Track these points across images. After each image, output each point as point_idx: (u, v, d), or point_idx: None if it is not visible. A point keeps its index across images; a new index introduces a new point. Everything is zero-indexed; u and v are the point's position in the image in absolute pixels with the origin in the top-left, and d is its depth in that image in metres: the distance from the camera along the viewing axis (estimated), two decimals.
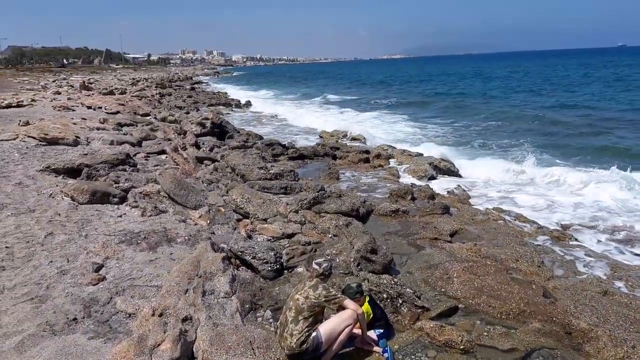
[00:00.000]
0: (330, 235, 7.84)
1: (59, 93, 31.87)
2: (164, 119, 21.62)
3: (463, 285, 5.99)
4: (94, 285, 5.49)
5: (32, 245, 6.41)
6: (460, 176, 13.76)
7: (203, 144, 15.82)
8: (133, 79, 63.91)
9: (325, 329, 4.50)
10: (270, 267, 6.41)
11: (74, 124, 16.80)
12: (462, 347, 4.79)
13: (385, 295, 5.54)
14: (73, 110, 21.84)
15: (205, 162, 13.08)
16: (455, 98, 38.64)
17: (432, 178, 13.29)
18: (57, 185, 9.17)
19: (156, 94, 36.26)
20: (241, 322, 4.97)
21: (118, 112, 22.58)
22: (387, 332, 5.01)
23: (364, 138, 19.75)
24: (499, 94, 39.71)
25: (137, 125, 18.58)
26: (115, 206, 8.44)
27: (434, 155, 15.60)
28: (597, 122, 22.74)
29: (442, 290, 6.00)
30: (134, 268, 6.00)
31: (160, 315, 4.57)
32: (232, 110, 32.53)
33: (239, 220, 8.49)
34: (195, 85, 60.13)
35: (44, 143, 13.25)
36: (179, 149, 13.67)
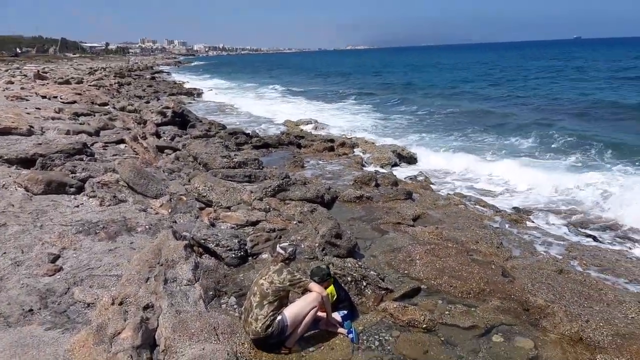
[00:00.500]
0: (295, 222, 7.83)
1: (12, 82, 30.37)
2: (122, 109, 21.00)
3: (425, 266, 6.10)
4: (50, 276, 5.29)
5: None
6: (420, 164, 13.97)
7: (164, 133, 15.47)
8: (90, 68, 61.65)
9: (290, 312, 4.49)
10: (234, 254, 6.35)
11: (28, 113, 16.06)
12: (424, 326, 4.89)
13: (349, 278, 5.58)
14: (27, 100, 20.88)
15: (166, 151, 12.80)
16: (419, 88, 39.16)
17: (395, 165, 13.48)
18: (9, 176, 8.76)
19: (115, 83, 35.16)
20: (205, 309, 4.91)
21: (74, 101, 21.73)
22: (352, 313, 5.06)
23: (329, 127, 19.78)
24: (460, 84, 40.48)
25: (94, 115, 17.95)
26: (72, 196, 8.14)
27: (397, 143, 15.80)
28: (547, 113, 23.50)
29: (405, 272, 6.10)
30: (92, 258, 5.82)
31: (121, 304, 4.45)
32: (194, 99, 31.91)
33: (201, 208, 8.36)
34: (156, 75, 58.65)
35: None
36: (139, 138, 13.31)
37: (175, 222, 7.51)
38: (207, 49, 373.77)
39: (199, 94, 35.07)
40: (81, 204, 7.82)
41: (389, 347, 4.60)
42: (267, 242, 6.89)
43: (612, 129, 18.40)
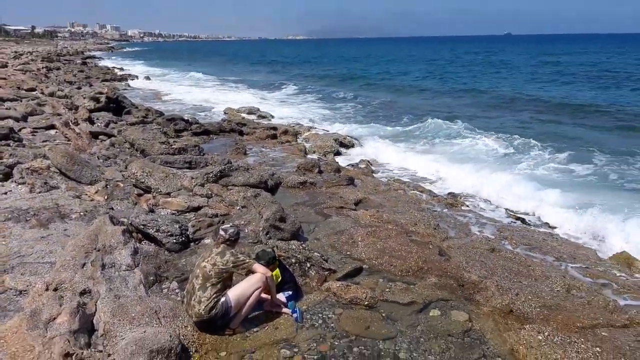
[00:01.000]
0: (238, 207, 7.76)
1: None
2: (52, 94, 19.78)
3: (367, 247, 6.27)
4: None
5: None
6: (361, 151, 14.23)
7: (97, 119, 14.74)
8: (15, 52, 57.42)
9: (234, 293, 4.48)
10: (175, 239, 6.21)
11: None
12: (366, 303, 5.04)
13: (293, 260, 5.63)
14: None
15: (100, 137, 12.23)
16: (359, 78, 39.78)
17: (338, 153, 13.65)
18: None
19: (43, 67, 33.02)
20: (145, 294, 4.79)
21: None
22: (296, 294, 5.11)
23: (271, 115, 19.67)
24: (398, 76, 41.49)
25: (21, 100, 16.83)
26: None
27: (340, 132, 16.01)
28: (476, 104, 24.73)
29: (348, 253, 6.24)
30: (23, 245, 5.50)
31: (55, 289, 4.25)
32: (128, 86, 30.59)
33: (139, 195, 8.09)
34: (87, 60, 55.59)
35: None
36: (71, 123, 12.63)
37: (112, 208, 7.24)
38: (142, 35, 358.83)
39: (134, 80, 33.68)
40: (9, 190, 7.36)
41: (332, 325, 4.70)
42: (210, 227, 6.79)
43: (539, 123, 19.60)
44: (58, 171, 8.39)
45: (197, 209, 7.58)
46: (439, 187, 10.81)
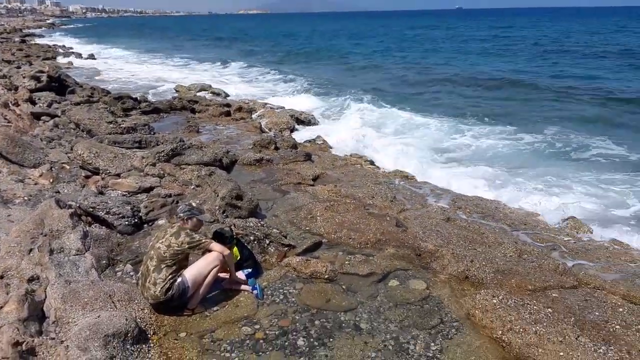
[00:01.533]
0: (192, 187, 7.57)
1: None
2: None
3: (325, 222, 6.26)
4: None
5: None
6: (317, 127, 14.14)
7: (39, 99, 13.90)
8: None
9: (190, 273, 4.38)
10: (127, 221, 6.00)
11: None
12: (326, 276, 5.06)
13: (252, 238, 5.57)
14: None
15: (43, 118, 11.57)
16: (310, 53, 39.45)
17: (294, 130, 13.49)
18: None
19: None
20: (98, 278, 4.61)
21: None
22: (256, 271, 5.06)
23: (224, 92, 19.19)
24: (351, 50, 41.39)
25: None
26: None
27: (295, 108, 15.83)
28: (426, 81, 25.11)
29: (307, 228, 6.21)
30: None
31: (1, 277, 4.02)
32: (71, 64, 29.01)
33: (87, 177, 7.75)
34: (27, 38, 52.26)
35: None
36: (10, 104, 11.89)
37: (59, 192, 6.89)
38: (84, 10, 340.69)
39: (78, 58, 32.01)
40: None
41: (293, 299, 4.69)
42: (163, 207, 6.58)
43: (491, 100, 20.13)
44: None
45: (149, 189, 7.34)
46: (395, 161, 10.90)
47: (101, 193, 6.88)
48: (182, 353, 3.91)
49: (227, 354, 3.92)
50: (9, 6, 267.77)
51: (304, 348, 4.02)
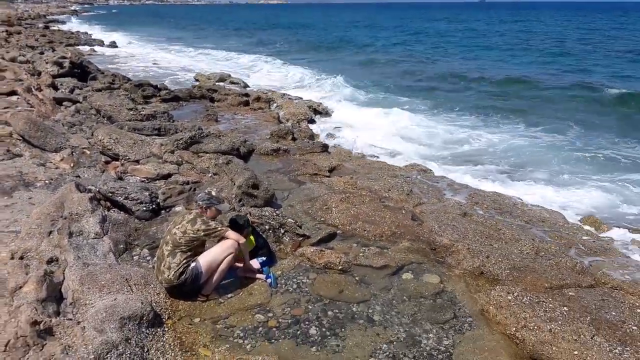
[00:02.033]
0: (210, 175, 7.63)
1: None
2: (13, 59, 18.73)
3: (341, 213, 6.26)
4: None
5: None
6: (335, 118, 14.11)
7: (61, 85, 14.12)
8: None
9: (205, 259, 4.42)
10: (145, 207, 6.07)
11: None
12: (340, 267, 5.06)
13: (267, 227, 5.60)
14: None
15: (65, 103, 11.74)
16: (333, 45, 39.23)
17: (312, 121, 13.48)
18: None
19: (3, 32, 31.27)
20: (115, 262, 4.69)
21: None
22: (270, 259, 5.10)
23: (243, 82, 19.23)
24: (372, 42, 41.06)
25: None
26: None
27: (314, 99, 15.79)
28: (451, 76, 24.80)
29: (322, 219, 6.22)
30: None
31: (21, 258, 4.11)
32: (94, 51, 29.37)
33: (107, 162, 7.87)
34: (50, 24, 52.96)
35: None
36: (33, 89, 12.09)
37: (79, 176, 7.01)
38: None
39: (101, 45, 32.38)
40: None
41: (306, 289, 4.72)
42: (181, 194, 6.65)
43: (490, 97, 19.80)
44: (21, 138, 8.07)
45: (167, 176, 7.42)
46: (413, 153, 10.85)
47: (120, 179, 6.98)
48: (195, 338, 3.96)
49: (240, 340, 3.97)
50: None
51: (315, 337, 4.04)
